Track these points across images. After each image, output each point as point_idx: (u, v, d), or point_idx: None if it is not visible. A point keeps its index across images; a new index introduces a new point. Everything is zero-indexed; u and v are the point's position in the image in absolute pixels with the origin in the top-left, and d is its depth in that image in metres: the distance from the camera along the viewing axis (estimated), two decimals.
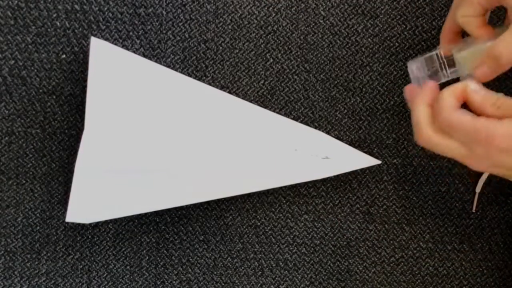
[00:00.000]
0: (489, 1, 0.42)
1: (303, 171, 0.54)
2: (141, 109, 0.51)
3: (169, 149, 0.51)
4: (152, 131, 0.51)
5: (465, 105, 0.42)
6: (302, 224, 0.57)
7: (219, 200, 0.56)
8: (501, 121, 0.39)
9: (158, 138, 0.51)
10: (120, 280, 0.57)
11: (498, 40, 0.40)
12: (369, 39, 0.55)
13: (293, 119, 0.55)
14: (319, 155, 0.54)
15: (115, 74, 0.50)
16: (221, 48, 0.55)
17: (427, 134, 0.42)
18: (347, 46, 0.55)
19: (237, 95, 0.55)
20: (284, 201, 0.57)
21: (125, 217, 0.56)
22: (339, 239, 0.57)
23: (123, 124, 0.50)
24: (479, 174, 0.55)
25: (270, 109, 0.55)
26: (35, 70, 0.54)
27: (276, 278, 0.57)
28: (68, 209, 0.50)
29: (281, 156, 0.53)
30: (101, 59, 0.49)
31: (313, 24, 0.55)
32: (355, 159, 0.55)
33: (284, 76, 0.55)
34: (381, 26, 0.55)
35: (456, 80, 0.45)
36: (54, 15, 0.53)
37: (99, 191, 0.50)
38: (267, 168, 0.53)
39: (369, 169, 0.56)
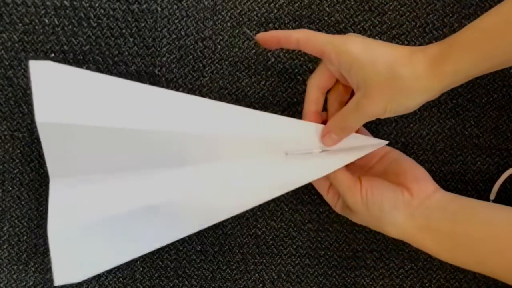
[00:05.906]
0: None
1: (301, 174, 0.48)
2: (105, 137, 0.45)
3: (145, 183, 0.47)
4: (122, 162, 0.46)
5: None
6: (306, 233, 0.56)
7: None
8: None
9: (130, 170, 0.47)
10: None
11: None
12: (376, 37, 0.55)
13: None
14: (315, 150, 0.48)
15: (65, 99, 0.44)
16: (219, 46, 0.54)
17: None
18: None
19: (237, 96, 0.55)
20: (287, 209, 0.56)
21: None
22: (345, 249, 0.56)
23: (90, 165, 0.46)
24: None
25: (271, 111, 0.54)
26: (22, 70, 0.53)
27: None
28: (54, 273, 0.46)
29: (272, 166, 0.48)
30: (45, 84, 0.43)
31: (317, 21, 0.54)
32: (358, 144, 0.49)
33: (287, 77, 0.55)
34: (390, 23, 0.55)
35: None
36: (42, 12, 0.53)
37: (82, 247, 0.47)
38: (259, 181, 0.48)
39: None
